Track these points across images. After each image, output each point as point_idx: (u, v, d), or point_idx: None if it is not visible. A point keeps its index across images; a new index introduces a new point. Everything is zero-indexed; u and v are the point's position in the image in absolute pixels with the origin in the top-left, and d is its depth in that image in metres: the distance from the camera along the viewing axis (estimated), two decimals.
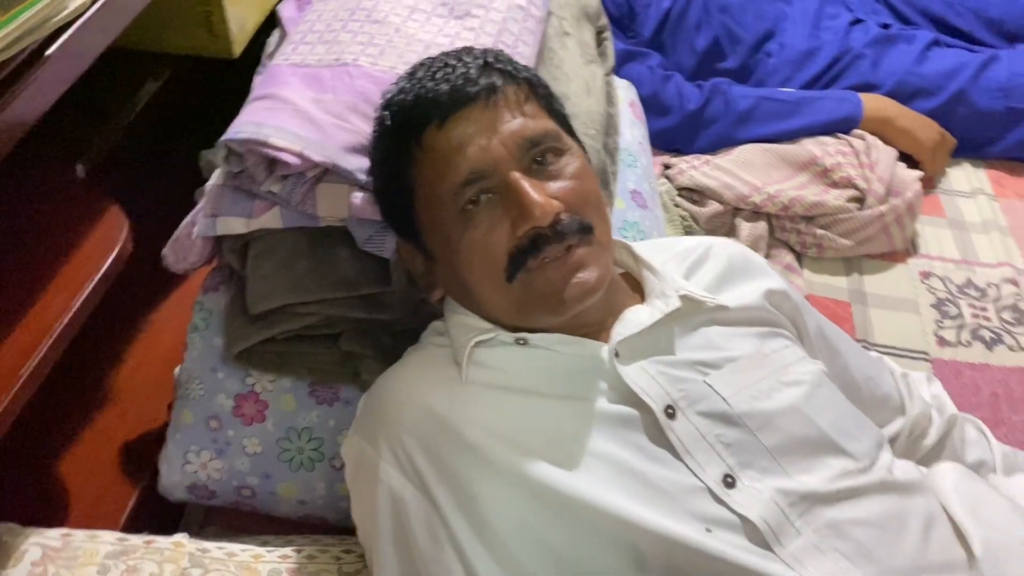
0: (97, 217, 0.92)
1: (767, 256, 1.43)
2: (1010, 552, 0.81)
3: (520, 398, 0.81)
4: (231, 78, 1.20)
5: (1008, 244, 1.49)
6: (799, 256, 1.46)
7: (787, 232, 1.45)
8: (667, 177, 1.50)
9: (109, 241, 0.90)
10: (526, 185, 0.78)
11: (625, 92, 1.36)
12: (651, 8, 1.68)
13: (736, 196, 1.44)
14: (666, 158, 1.54)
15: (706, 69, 1.68)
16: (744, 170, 1.47)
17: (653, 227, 1.21)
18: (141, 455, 1.07)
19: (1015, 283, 1.41)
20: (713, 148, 1.54)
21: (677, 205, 1.45)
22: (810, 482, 0.78)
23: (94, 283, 0.87)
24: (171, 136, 1.33)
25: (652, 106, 1.50)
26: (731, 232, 1.45)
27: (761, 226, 1.44)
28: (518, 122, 0.81)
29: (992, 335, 1.33)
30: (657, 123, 1.51)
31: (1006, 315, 1.36)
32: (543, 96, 0.87)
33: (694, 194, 1.47)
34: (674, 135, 1.55)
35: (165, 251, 0.98)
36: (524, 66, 0.88)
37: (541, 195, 0.78)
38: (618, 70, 1.46)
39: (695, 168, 1.49)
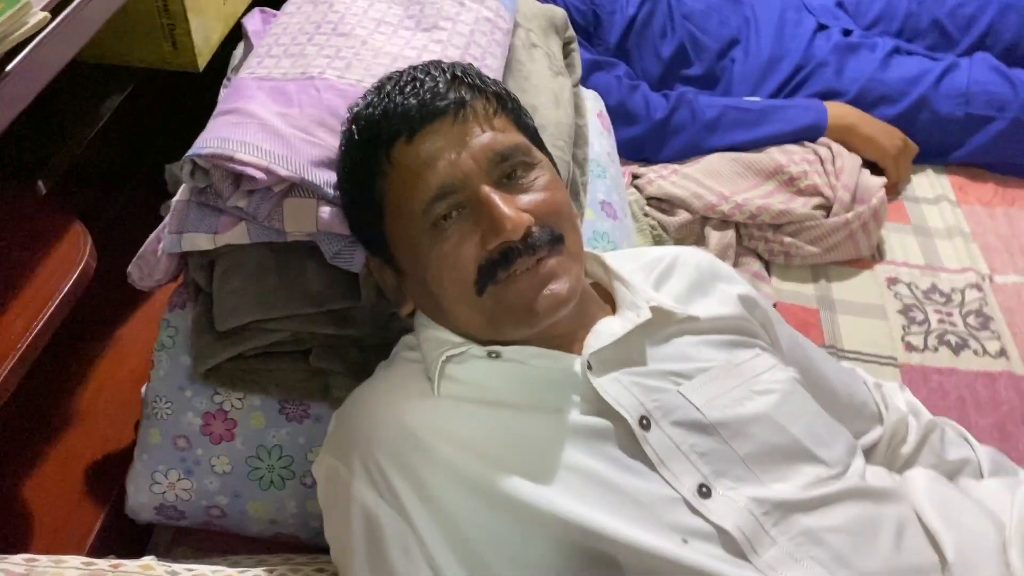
0: (59, 235, 0.91)
1: (736, 264, 1.44)
2: (982, 556, 0.81)
3: (493, 411, 0.81)
4: (197, 90, 1.19)
5: (971, 250, 1.51)
6: (767, 264, 1.47)
7: (755, 240, 1.46)
8: (636, 187, 1.50)
9: (71, 260, 0.88)
10: (497, 199, 0.78)
11: (593, 103, 1.36)
12: (616, 16, 1.68)
13: (704, 205, 1.45)
14: (634, 168, 1.55)
15: (672, 76, 1.69)
16: (712, 179, 1.48)
17: (623, 237, 1.21)
18: (108, 476, 1.05)
19: (979, 288, 1.43)
20: (681, 157, 1.55)
21: (646, 215, 1.45)
22: (784, 490, 0.78)
23: (55, 304, 0.85)
24: (137, 149, 1.31)
25: (619, 115, 1.50)
26: (700, 241, 1.45)
27: (729, 234, 1.45)
28: (488, 136, 0.81)
29: (958, 340, 1.35)
30: (624, 132, 1.52)
31: (971, 320, 1.38)
32: (512, 110, 0.86)
33: (663, 203, 1.48)
34: (641, 144, 1.55)
35: (130, 268, 0.96)
36: (493, 80, 0.88)
37: (512, 209, 0.77)
38: (585, 80, 1.46)
39: (663, 178, 1.50)
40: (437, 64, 0.87)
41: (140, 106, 1.29)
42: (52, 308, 0.85)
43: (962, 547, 0.81)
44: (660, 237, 1.43)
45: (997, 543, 0.83)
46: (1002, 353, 1.33)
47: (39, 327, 0.84)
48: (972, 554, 0.81)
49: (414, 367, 0.86)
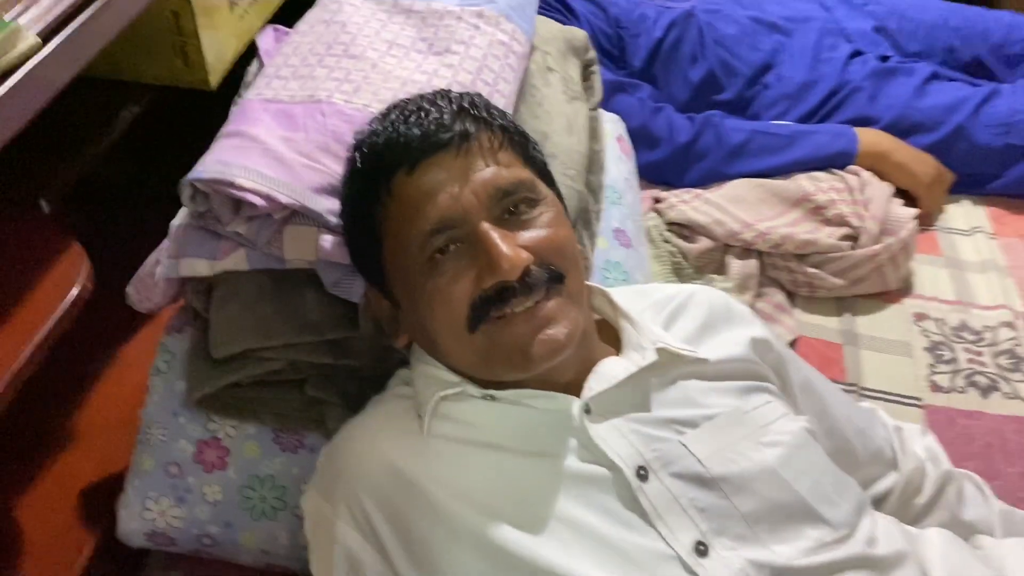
0: (56, 257, 0.90)
1: (758, 295, 1.40)
2: None
3: (486, 454, 0.79)
4: (214, 106, 1.17)
5: (1006, 285, 1.45)
6: (790, 295, 1.42)
7: (778, 270, 1.42)
8: (656, 211, 1.46)
9: (67, 282, 0.87)
10: (495, 237, 0.75)
11: (612, 126, 1.33)
12: (641, 38, 1.65)
13: (727, 232, 1.41)
14: (656, 191, 1.51)
15: (701, 101, 1.65)
16: (735, 206, 1.44)
17: (637, 267, 1.18)
18: (104, 497, 1.04)
19: (1012, 327, 1.37)
20: (704, 182, 1.51)
21: (666, 240, 1.42)
22: (785, 553, 0.75)
23: (49, 328, 0.84)
24: (150, 165, 1.30)
25: (641, 138, 1.46)
26: (721, 269, 1.41)
27: (752, 264, 1.40)
28: (491, 171, 0.78)
29: (988, 382, 1.30)
30: (647, 156, 1.48)
31: (1002, 360, 1.32)
32: (519, 143, 0.84)
33: (684, 229, 1.44)
34: (664, 168, 1.52)
35: (128, 290, 0.95)
36: (501, 112, 0.86)
37: (510, 247, 0.75)
38: (607, 101, 1.43)
39: (685, 202, 1.46)
40: (445, 94, 0.85)
41: (155, 122, 1.28)
42: (45, 331, 0.84)
43: None
44: (679, 265, 1.40)
45: None
46: None
47: (31, 351, 0.83)
48: None
49: (405, 404, 0.84)
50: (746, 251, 1.42)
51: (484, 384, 0.81)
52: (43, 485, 1.04)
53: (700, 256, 1.41)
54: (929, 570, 0.80)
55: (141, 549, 1.03)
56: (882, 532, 0.81)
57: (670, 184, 1.53)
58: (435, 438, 0.80)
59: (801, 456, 0.81)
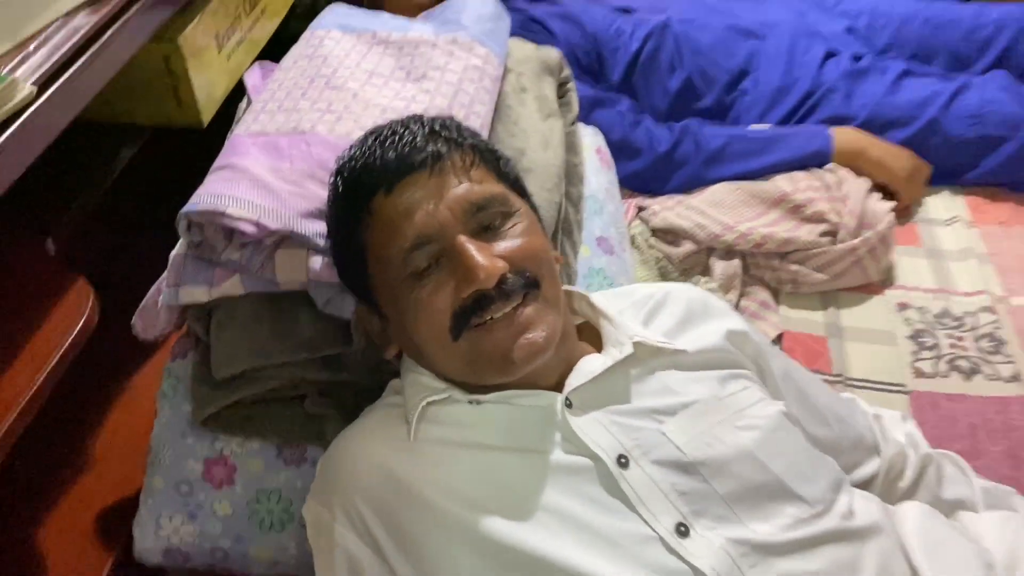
0: (64, 291, 0.95)
1: (742, 294, 1.43)
2: None
3: (474, 453, 0.83)
4: (207, 141, 1.23)
5: (985, 271, 1.48)
6: (775, 292, 1.46)
7: (762, 269, 1.46)
8: (641, 219, 1.51)
9: (74, 315, 0.92)
10: (471, 248, 0.80)
11: (592, 139, 1.38)
12: (619, 52, 1.70)
13: (709, 236, 1.45)
14: (640, 199, 1.56)
15: (680, 109, 1.70)
16: (716, 209, 1.48)
17: (620, 272, 1.22)
18: (121, 518, 1.09)
19: (992, 311, 1.40)
20: (686, 188, 1.55)
21: (652, 247, 1.46)
22: (764, 531, 0.78)
23: (57, 358, 0.89)
24: (154, 199, 1.36)
25: (623, 150, 1.51)
26: (706, 271, 1.45)
27: (735, 264, 1.44)
28: (464, 187, 0.83)
29: (970, 365, 1.33)
30: (628, 166, 1.53)
31: (983, 344, 1.36)
32: (490, 160, 0.89)
33: (668, 235, 1.48)
34: (646, 177, 1.56)
35: (134, 320, 1.00)
36: (472, 132, 0.91)
37: (486, 257, 0.80)
38: (587, 117, 1.48)
39: (668, 209, 1.50)
40: (418, 118, 0.90)
41: (152, 160, 1.33)
42: (53, 364, 0.89)
43: None
44: (665, 269, 1.44)
45: None
46: (1015, 378, 1.30)
47: (40, 382, 0.87)
48: None
49: (395, 411, 0.88)
50: (729, 252, 1.46)
51: (471, 389, 0.85)
52: (61, 509, 1.09)
53: (685, 259, 1.45)
54: (906, 541, 0.84)
55: (158, 567, 1.07)
56: (860, 506, 0.85)
57: (653, 192, 1.58)
58: (424, 442, 0.84)
59: (777, 438, 0.85)
